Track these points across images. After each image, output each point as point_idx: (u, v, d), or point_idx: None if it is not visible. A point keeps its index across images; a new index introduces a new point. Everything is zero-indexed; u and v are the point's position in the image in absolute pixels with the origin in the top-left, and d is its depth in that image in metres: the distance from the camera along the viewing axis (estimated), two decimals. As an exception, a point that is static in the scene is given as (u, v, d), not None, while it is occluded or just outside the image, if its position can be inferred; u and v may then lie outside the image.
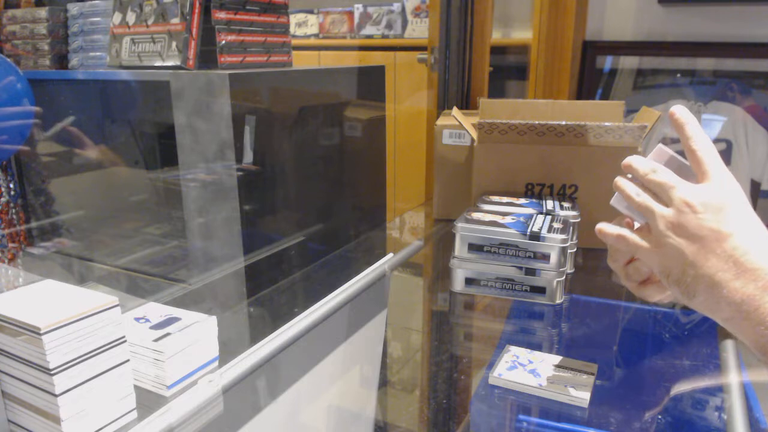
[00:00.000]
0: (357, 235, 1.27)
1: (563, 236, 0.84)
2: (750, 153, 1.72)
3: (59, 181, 1.35)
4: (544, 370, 0.69)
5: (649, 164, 0.58)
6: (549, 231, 0.85)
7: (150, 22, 1.02)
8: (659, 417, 0.63)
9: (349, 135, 1.23)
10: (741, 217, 0.53)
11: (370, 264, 0.95)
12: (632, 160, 0.59)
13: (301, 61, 2.53)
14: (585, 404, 0.64)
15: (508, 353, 0.73)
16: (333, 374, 0.76)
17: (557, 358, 0.72)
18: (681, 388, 0.69)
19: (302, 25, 2.73)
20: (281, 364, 0.69)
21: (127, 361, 0.54)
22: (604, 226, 0.62)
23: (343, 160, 1.22)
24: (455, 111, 1.13)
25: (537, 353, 0.73)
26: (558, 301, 0.87)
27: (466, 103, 1.64)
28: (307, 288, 1.00)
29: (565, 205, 0.97)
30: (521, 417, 0.64)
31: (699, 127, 0.57)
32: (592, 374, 0.68)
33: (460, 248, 0.89)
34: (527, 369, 0.70)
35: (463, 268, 0.89)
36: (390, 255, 1.00)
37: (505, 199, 1.01)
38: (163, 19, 1.00)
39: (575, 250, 0.96)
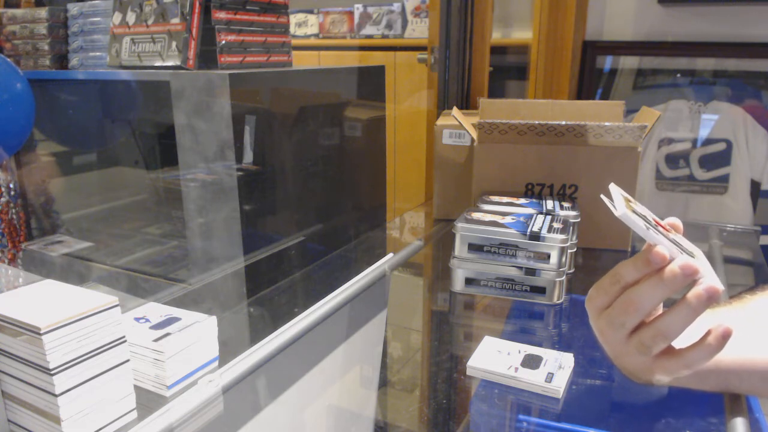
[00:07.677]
0: (357, 235, 1.27)
1: (563, 236, 0.84)
2: (750, 153, 1.72)
3: (59, 181, 1.35)
4: (520, 360, 0.70)
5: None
6: (549, 231, 0.85)
7: (150, 22, 1.02)
8: (660, 417, 0.63)
9: (349, 135, 1.23)
10: None
11: (370, 264, 0.95)
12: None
13: (301, 61, 2.53)
14: (559, 395, 0.64)
15: (485, 343, 0.74)
16: (333, 374, 0.76)
17: (534, 348, 0.72)
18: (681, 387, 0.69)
19: (302, 25, 2.73)
20: (281, 364, 0.69)
21: (127, 361, 0.54)
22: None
23: (343, 160, 1.22)
24: (455, 111, 1.13)
25: (513, 343, 0.73)
26: (558, 301, 0.87)
27: (466, 103, 1.64)
28: (307, 288, 1.00)
29: (565, 205, 0.97)
30: (521, 417, 0.64)
31: None
32: (569, 365, 0.69)
33: (460, 248, 0.89)
34: (503, 359, 0.70)
35: (463, 268, 0.89)
36: (390, 255, 1.00)
37: (505, 199, 1.01)
38: (163, 19, 1.00)
39: (575, 250, 0.96)
